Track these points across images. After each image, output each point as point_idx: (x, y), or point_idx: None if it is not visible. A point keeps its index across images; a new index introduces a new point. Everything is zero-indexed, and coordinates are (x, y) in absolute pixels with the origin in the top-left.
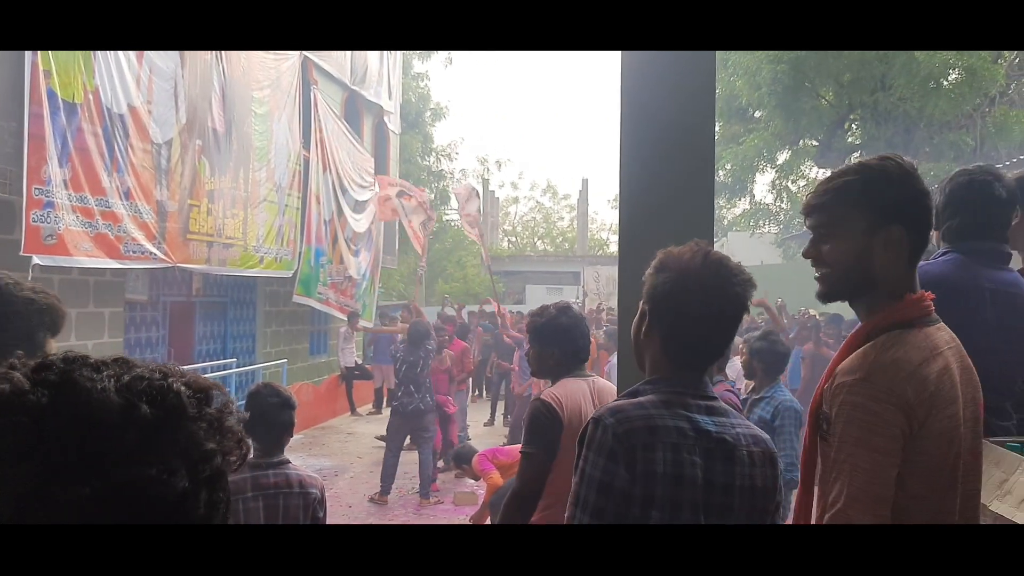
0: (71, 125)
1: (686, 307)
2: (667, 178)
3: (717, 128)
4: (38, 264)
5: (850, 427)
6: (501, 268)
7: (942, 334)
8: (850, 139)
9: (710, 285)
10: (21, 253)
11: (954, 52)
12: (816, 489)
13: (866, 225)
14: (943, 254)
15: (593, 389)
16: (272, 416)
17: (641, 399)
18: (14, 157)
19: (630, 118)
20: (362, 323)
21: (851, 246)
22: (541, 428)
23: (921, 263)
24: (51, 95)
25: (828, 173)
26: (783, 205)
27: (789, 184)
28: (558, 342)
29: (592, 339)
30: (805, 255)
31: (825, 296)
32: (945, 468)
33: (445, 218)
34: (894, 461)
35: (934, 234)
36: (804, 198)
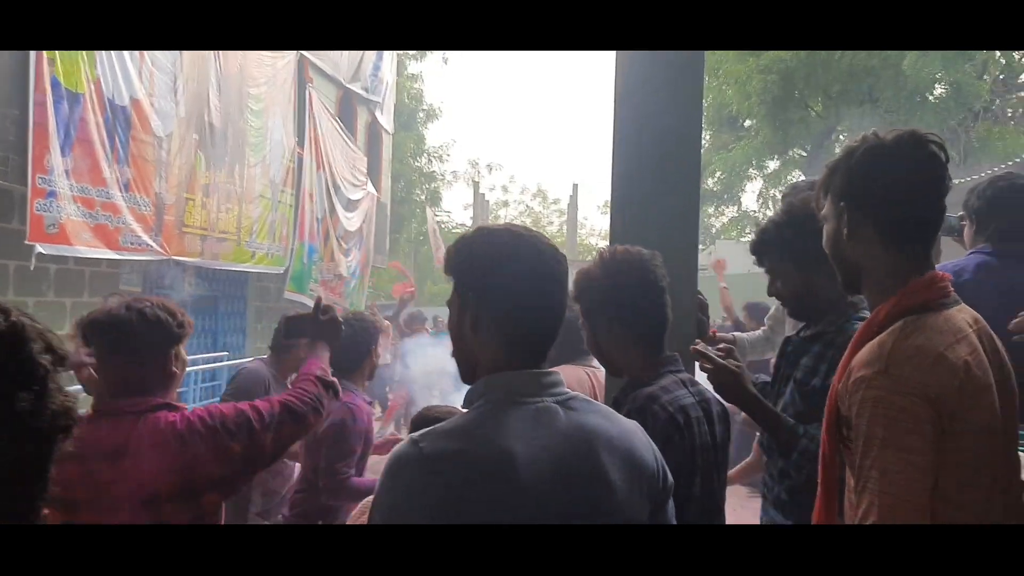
0: (74, 115)
1: (641, 292)
2: (656, 176)
3: (707, 136)
4: (41, 253)
5: (874, 427)
6: None
7: (963, 315)
8: (838, 150)
9: (631, 268)
10: (26, 241)
11: (940, 67)
12: (846, 506)
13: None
14: (971, 253)
15: (592, 376)
16: None
17: (663, 383)
18: (16, 145)
19: (623, 118)
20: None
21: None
22: None
23: (946, 263)
24: (55, 83)
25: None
26: (770, 213)
27: (777, 193)
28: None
29: None
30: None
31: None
32: (983, 470)
33: (436, 218)
34: (928, 462)
35: (968, 235)
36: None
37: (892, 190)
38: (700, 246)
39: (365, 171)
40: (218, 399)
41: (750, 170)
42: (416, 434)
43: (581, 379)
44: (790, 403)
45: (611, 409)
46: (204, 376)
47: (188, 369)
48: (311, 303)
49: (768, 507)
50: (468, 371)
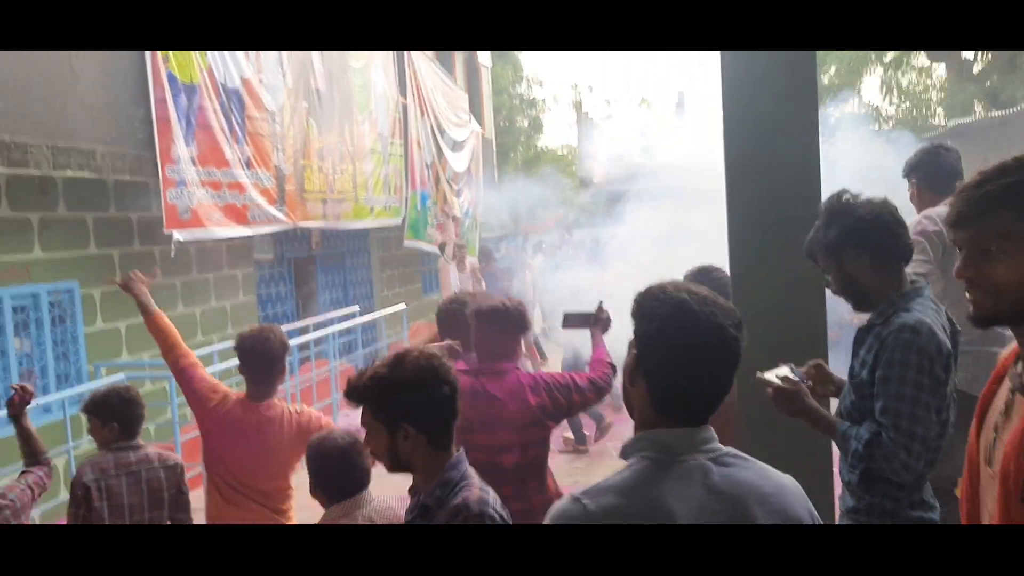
0: (192, 105)
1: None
2: (769, 78)
3: None
4: (178, 239)
5: None
6: (602, 190)
7: None
8: None
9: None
10: (164, 231)
11: None
12: None
13: None
14: None
15: None
16: (124, 412)
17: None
18: (145, 142)
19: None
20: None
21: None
22: None
23: None
24: (171, 79)
25: (942, 65)
26: (895, 101)
27: (900, 77)
28: None
29: None
30: (959, 275)
31: (985, 321)
32: None
33: (539, 144)
34: None
35: None
36: (950, 208)
37: None
38: (820, 138)
39: (467, 109)
40: (359, 351)
41: (868, 63)
42: (578, 491)
43: None
44: (846, 395)
45: (765, 465)
46: (339, 333)
47: (327, 330)
48: (429, 248)
49: (844, 495)
50: (631, 414)
